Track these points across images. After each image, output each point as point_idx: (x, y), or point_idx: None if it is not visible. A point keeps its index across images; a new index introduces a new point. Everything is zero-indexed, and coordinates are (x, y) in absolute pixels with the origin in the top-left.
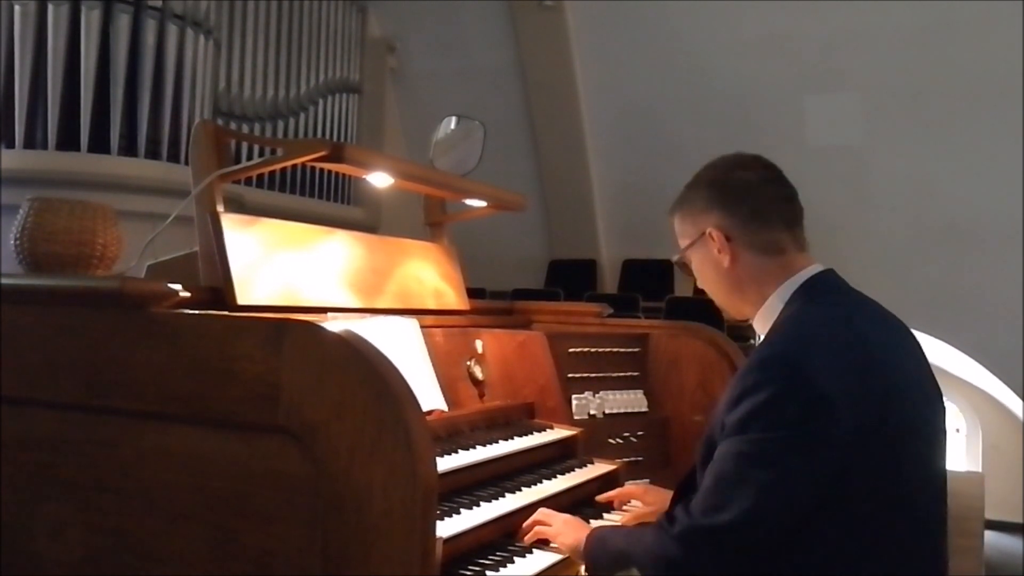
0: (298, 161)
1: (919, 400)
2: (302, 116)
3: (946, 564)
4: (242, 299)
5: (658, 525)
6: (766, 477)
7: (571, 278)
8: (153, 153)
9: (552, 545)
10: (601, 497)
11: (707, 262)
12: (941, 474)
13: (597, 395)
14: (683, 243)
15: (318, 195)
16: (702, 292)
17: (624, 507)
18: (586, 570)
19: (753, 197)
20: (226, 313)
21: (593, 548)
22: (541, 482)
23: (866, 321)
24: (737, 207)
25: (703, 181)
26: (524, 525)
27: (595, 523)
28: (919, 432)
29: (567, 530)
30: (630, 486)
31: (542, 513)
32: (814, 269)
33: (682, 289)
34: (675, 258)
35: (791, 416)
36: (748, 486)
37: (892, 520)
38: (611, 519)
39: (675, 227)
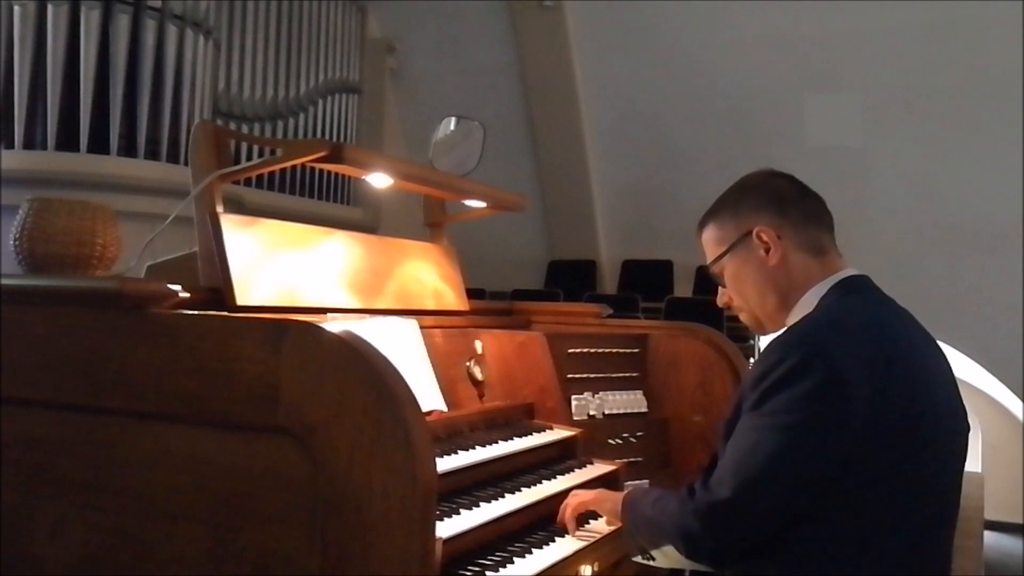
0: (298, 161)
1: (945, 410)
2: (302, 116)
3: (948, 566)
4: (242, 300)
5: (681, 498)
6: (773, 449)
7: (571, 279)
8: (152, 153)
9: (586, 527)
10: None
11: (749, 264)
12: (958, 479)
13: (596, 396)
14: (720, 248)
15: (318, 196)
16: (702, 291)
17: None
18: (623, 531)
19: (802, 200)
20: (226, 314)
21: (628, 514)
22: (541, 482)
23: (896, 321)
24: (790, 207)
25: (744, 187)
26: (561, 509)
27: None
28: (943, 441)
29: (603, 496)
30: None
31: (575, 493)
32: (851, 271)
33: (681, 290)
34: (709, 264)
35: (804, 391)
36: (757, 458)
37: (901, 519)
38: None
39: (708, 236)
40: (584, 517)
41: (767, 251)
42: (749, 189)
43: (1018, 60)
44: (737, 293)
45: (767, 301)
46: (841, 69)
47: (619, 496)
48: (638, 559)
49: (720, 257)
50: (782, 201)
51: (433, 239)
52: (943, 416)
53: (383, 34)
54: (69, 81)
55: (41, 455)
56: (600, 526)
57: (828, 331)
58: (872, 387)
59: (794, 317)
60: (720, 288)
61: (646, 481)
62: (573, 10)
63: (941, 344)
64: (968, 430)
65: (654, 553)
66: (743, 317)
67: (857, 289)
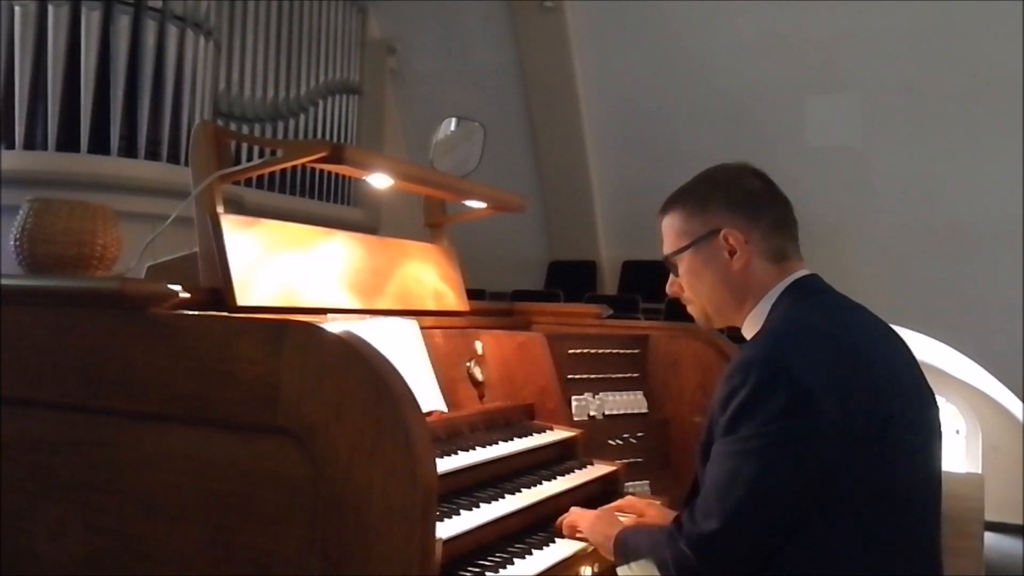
0: (298, 162)
1: (911, 399)
2: (302, 117)
3: (940, 565)
4: (242, 300)
5: (669, 533)
6: (754, 472)
7: (571, 279)
8: (153, 154)
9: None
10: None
11: (710, 265)
12: (935, 475)
13: (597, 396)
14: (682, 241)
15: (318, 196)
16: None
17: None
18: (616, 566)
19: (771, 208)
20: (226, 314)
21: (619, 552)
22: (541, 483)
23: (852, 320)
24: (761, 213)
25: (716, 181)
26: (559, 521)
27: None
28: (912, 430)
29: (599, 526)
30: (632, 499)
31: (574, 512)
32: (801, 272)
33: None
34: (667, 255)
35: (774, 411)
36: (739, 485)
37: (884, 518)
38: None
39: (670, 224)
40: None
41: (731, 254)
42: (721, 184)
43: (1018, 60)
44: (690, 287)
45: (721, 302)
46: (841, 70)
47: (612, 532)
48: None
49: (681, 250)
50: (755, 205)
51: (433, 240)
52: (911, 411)
53: (383, 35)
54: (70, 82)
55: (41, 455)
56: None
57: (786, 345)
58: (838, 394)
59: (751, 324)
60: (672, 276)
61: (646, 482)
62: (573, 11)
63: (940, 343)
64: (938, 410)
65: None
66: (691, 309)
67: (808, 292)
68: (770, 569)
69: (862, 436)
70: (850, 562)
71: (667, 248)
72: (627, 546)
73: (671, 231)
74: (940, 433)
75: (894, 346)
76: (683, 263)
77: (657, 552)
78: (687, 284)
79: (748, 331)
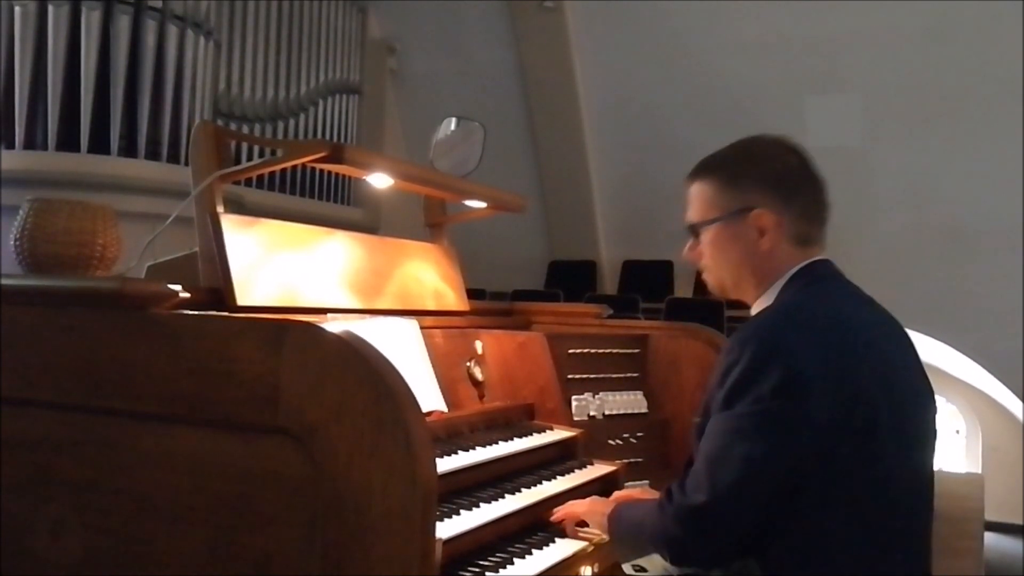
0: (298, 162)
1: (908, 394)
2: (302, 117)
3: (929, 564)
4: (242, 300)
5: (659, 503)
6: (746, 451)
7: (571, 279)
8: (153, 154)
9: (586, 529)
10: None
11: (738, 239)
12: (928, 472)
13: (597, 396)
14: (711, 212)
15: (318, 196)
16: (702, 292)
17: None
18: (611, 543)
19: (806, 191)
20: (226, 314)
21: (613, 529)
22: (541, 483)
23: (856, 310)
24: (795, 197)
25: (753, 156)
26: (555, 511)
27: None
28: (907, 427)
29: (596, 505)
30: (628, 490)
31: (570, 503)
32: (814, 257)
33: (682, 290)
34: (693, 222)
35: (765, 390)
36: (731, 461)
37: (876, 515)
38: None
39: (700, 191)
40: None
41: (761, 234)
42: (758, 160)
43: (1018, 60)
44: (712, 258)
45: (742, 278)
46: (841, 70)
47: (607, 509)
48: (628, 570)
49: (710, 222)
50: (790, 188)
51: (433, 239)
52: (907, 407)
53: (383, 35)
54: (70, 81)
55: (41, 455)
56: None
57: (785, 327)
58: (830, 383)
59: (760, 305)
60: (691, 241)
61: (646, 482)
62: (573, 10)
63: (940, 343)
64: (936, 410)
65: (643, 563)
66: (707, 277)
67: (818, 278)
68: (762, 562)
69: (852, 428)
70: (841, 557)
71: (694, 215)
72: (620, 518)
73: (700, 199)
74: (935, 434)
75: (897, 340)
76: (708, 234)
77: (647, 521)
78: (709, 254)
79: (756, 309)
